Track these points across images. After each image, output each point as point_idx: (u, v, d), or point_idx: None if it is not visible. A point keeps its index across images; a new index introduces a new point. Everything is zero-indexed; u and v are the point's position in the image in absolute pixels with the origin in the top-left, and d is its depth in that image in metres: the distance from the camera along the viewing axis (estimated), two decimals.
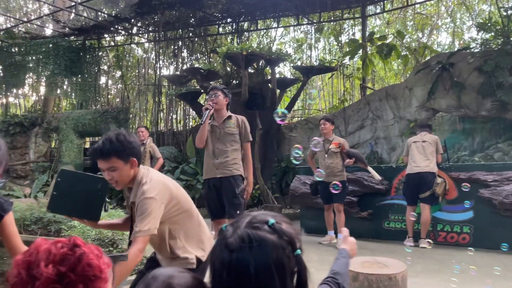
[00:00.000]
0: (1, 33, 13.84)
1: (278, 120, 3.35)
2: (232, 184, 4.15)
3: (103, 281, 1.07)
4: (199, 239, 2.45)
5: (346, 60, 12.17)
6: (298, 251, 1.04)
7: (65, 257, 1.04)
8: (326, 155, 5.93)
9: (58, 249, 1.05)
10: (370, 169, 5.86)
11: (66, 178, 2.26)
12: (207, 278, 1.15)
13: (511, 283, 4.01)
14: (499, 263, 4.75)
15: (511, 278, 4.18)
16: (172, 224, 2.36)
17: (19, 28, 14.06)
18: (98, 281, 1.06)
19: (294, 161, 3.57)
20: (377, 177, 5.89)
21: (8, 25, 14.35)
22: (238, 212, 4.04)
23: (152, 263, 2.51)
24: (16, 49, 13.77)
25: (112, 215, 4.94)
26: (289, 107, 10.84)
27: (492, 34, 8.52)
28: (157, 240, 2.35)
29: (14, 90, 14.62)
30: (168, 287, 1.08)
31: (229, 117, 4.29)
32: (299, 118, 13.70)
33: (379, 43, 10.67)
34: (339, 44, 13.91)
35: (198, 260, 2.37)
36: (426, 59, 10.22)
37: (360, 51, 10.98)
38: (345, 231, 1.77)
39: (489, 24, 8.52)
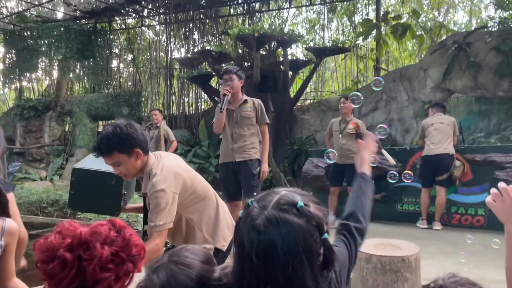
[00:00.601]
0: (13, 17, 13.89)
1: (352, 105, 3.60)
2: (249, 167, 4.20)
3: (143, 260, 1.14)
4: (221, 227, 2.34)
5: (360, 40, 11.96)
6: (326, 235, 1.01)
7: (116, 238, 1.10)
8: (340, 136, 5.81)
9: (107, 231, 1.10)
10: (384, 152, 5.70)
11: (79, 176, 2.23)
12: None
13: None
14: None
15: None
16: (189, 214, 2.27)
17: (31, 12, 14.09)
18: (142, 260, 1.13)
19: (327, 160, 3.71)
20: (392, 161, 5.73)
21: (20, 9, 14.37)
22: (255, 193, 4.08)
23: None
24: (28, 33, 13.82)
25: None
26: (302, 89, 10.74)
27: (511, 12, 8.27)
28: (171, 231, 2.23)
29: (27, 74, 14.74)
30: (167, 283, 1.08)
31: (245, 101, 4.27)
32: (311, 101, 13.60)
33: (393, 22, 10.45)
34: (353, 25, 13.67)
35: (217, 250, 2.28)
36: (442, 38, 9.99)
37: (374, 31, 10.77)
38: (364, 154, 1.61)
39: (507, 2, 8.27)
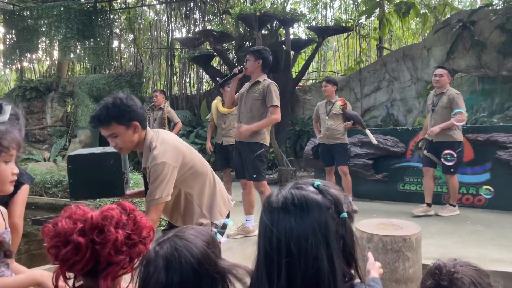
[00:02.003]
0: None
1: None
2: (247, 150, 4.19)
3: (152, 241, 1.19)
4: (218, 203, 2.39)
5: (363, 19, 11.82)
6: (344, 214, 1.01)
7: (127, 222, 1.14)
8: (327, 117, 5.80)
9: (118, 215, 1.13)
10: (367, 132, 5.75)
11: (76, 163, 2.15)
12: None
13: None
14: None
15: None
16: (188, 189, 2.29)
17: None
18: (151, 241, 1.18)
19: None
20: (374, 141, 5.75)
21: None
22: (255, 175, 4.12)
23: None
24: (28, 13, 13.68)
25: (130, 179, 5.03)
26: (304, 69, 10.66)
27: None
28: (169, 205, 2.27)
29: (28, 55, 14.64)
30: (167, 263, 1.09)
31: (258, 82, 4.21)
32: (313, 81, 13.52)
33: (397, 1, 10.30)
34: (356, 3, 13.47)
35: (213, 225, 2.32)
36: (446, 17, 9.87)
37: (377, 10, 10.63)
38: (370, 257, 1.57)
39: None
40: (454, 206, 5.39)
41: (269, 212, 1.01)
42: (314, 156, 6.32)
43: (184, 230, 1.16)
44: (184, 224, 2.29)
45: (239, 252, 3.85)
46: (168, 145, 2.17)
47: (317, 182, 1.04)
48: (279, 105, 4.17)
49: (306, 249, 0.96)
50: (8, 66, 15.17)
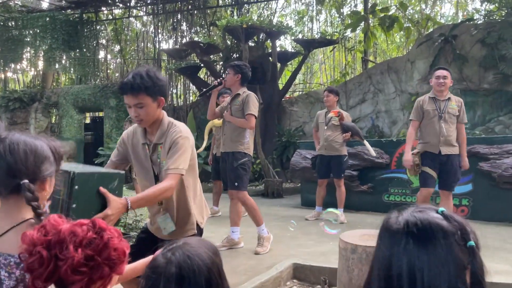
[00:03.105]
0: None
1: None
2: (231, 159, 4.28)
3: (124, 263, 1.12)
4: (203, 205, 2.44)
5: (348, 32, 12.01)
6: (471, 242, 0.92)
7: (93, 241, 1.06)
8: (326, 127, 5.81)
9: (84, 232, 1.06)
10: (366, 143, 5.74)
11: (84, 183, 1.86)
12: None
13: (507, 255, 4.07)
14: (497, 235, 4.81)
15: (507, 250, 4.23)
16: (187, 177, 2.28)
17: (15, 2, 13.84)
18: (122, 264, 1.10)
19: None
20: (372, 153, 5.75)
21: None
22: (236, 183, 4.17)
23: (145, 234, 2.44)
24: (13, 23, 13.58)
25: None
26: (290, 81, 10.75)
27: (496, 5, 8.37)
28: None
29: (12, 65, 14.50)
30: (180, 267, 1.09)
31: (238, 95, 4.35)
32: (300, 92, 13.62)
33: (381, 15, 10.50)
34: (341, 17, 13.68)
35: (197, 225, 2.34)
36: (429, 31, 10.09)
37: (362, 24, 10.82)
38: None
39: None
40: None
41: (388, 237, 0.94)
42: (314, 167, 6.28)
43: (189, 239, 1.16)
44: (172, 217, 2.29)
45: (226, 263, 3.83)
46: (186, 127, 2.29)
47: (441, 208, 0.96)
48: (255, 114, 4.29)
49: (430, 279, 0.87)
50: None
